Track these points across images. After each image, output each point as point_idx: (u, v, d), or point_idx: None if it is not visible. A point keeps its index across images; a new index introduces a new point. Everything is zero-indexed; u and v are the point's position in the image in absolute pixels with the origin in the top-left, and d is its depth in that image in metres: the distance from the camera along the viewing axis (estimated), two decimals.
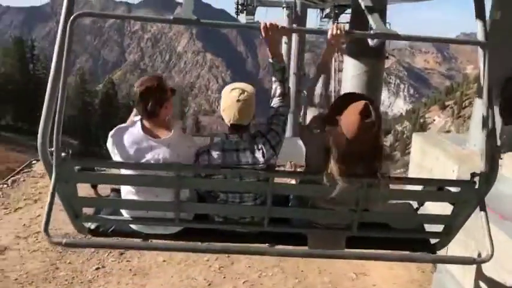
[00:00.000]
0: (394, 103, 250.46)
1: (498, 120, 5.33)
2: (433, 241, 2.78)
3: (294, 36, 20.29)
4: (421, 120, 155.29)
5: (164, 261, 5.32)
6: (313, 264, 5.35)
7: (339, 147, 2.16)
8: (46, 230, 2.09)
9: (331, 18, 18.43)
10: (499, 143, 5.11)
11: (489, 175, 2.28)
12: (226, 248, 2.67)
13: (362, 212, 2.42)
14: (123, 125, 2.61)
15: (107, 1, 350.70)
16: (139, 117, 2.57)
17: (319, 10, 21.58)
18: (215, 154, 2.45)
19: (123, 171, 2.55)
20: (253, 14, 24.92)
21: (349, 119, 2.11)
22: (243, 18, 26.37)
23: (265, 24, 2.36)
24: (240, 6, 24.49)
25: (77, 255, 5.32)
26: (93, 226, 2.74)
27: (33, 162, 8.74)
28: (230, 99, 2.42)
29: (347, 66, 11.59)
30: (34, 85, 57.66)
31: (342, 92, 10.96)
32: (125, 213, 2.65)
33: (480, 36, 2.30)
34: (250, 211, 2.59)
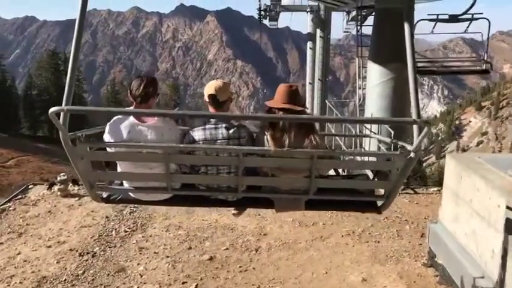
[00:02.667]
0: (428, 105, 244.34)
1: None
2: (379, 203, 3.24)
3: (318, 42, 19.36)
4: (457, 122, 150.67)
5: None
6: None
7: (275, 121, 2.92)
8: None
9: (358, 21, 17.30)
10: None
11: (416, 148, 2.62)
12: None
13: (316, 179, 2.89)
14: (118, 116, 3.06)
15: (139, 12, 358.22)
16: (131, 107, 3.09)
17: (345, 13, 20.52)
18: (197, 131, 3.07)
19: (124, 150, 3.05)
20: (277, 20, 24.03)
21: (278, 90, 3.05)
22: (266, 24, 25.66)
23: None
24: (263, 12, 23.65)
25: None
26: (104, 195, 3.27)
27: (30, 186, 8.19)
28: (211, 81, 3.20)
29: (371, 73, 10.61)
30: None
31: (366, 101, 9.91)
32: (126, 185, 3.18)
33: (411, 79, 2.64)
34: (225, 180, 3.11)
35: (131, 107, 3.10)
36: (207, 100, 3.16)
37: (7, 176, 31.36)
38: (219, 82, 3.20)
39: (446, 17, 10.47)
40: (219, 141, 3.04)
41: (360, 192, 3.26)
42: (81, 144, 2.69)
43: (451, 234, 5.06)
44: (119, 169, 3.14)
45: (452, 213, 5.05)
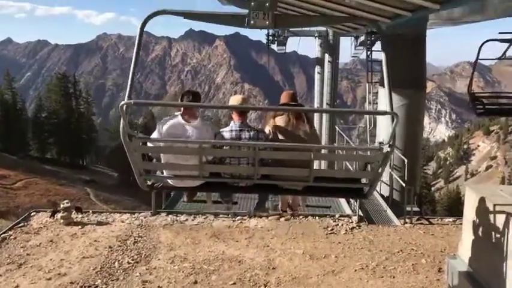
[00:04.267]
0: (436, 129, 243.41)
1: None
2: (365, 191, 3.87)
3: (326, 66, 19.31)
4: (465, 146, 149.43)
5: None
6: None
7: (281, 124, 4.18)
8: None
9: (367, 45, 17.25)
10: None
11: (390, 145, 3.21)
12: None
13: (314, 169, 3.53)
14: (167, 118, 4.07)
15: (149, 36, 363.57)
16: (179, 112, 4.05)
17: (353, 38, 20.52)
18: (226, 132, 4.08)
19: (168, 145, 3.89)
20: (285, 45, 24.13)
21: (282, 95, 4.66)
22: (274, 48, 25.81)
23: None
24: (271, 37, 23.76)
25: None
26: (149, 182, 3.96)
27: (32, 213, 7.97)
28: (236, 95, 4.43)
29: (382, 100, 10.42)
30: (76, 120, 59.12)
31: (377, 128, 9.92)
32: (166, 173, 4.02)
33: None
34: (245, 170, 3.86)
35: (177, 113, 4.09)
36: (235, 111, 4.26)
37: (14, 198, 31.37)
38: (242, 96, 4.48)
39: None
40: (242, 140, 4.01)
41: (350, 180, 3.98)
42: (136, 140, 3.29)
43: (472, 271, 4.76)
44: (162, 161, 3.95)
45: (474, 249, 4.77)
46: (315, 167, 3.59)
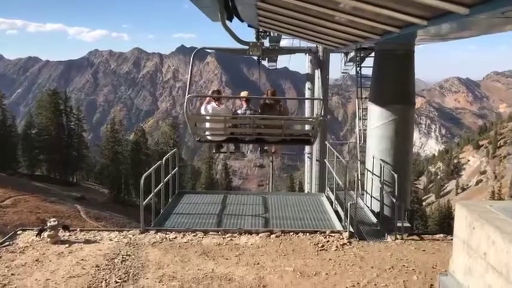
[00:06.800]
0: (426, 144, 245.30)
1: None
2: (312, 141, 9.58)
3: (316, 82, 19.38)
4: (455, 161, 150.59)
5: None
6: None
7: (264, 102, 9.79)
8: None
9: (356, 62, 17.36)
10: None
11: (322, 116, 9.89)
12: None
13: (285, 129, 8.99)
14: (206, 104, 9.67)
15: (140, 53, 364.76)
16: (211, 101, 9.59)
17: (343, 54, 20.64)
18: (239, 110, 9.60)
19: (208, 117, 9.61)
20: (275, 61, 24.20)
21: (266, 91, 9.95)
22: (265, 64, 25.87)
23: None
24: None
25: None
26: (197, 138, 9.41)
27: (19, 232, 7.82)
28: (244, 91, 9.86)
29: (372, 115, 10.41)
30: (67, 136, 58.73)
31: (367, 143, 10.25)
32: (207, 133, 9.61)
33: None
34: (248, 130, 9.08)
35: (212, 102, 9.45)
36: (243, 99, 9.52)
37: (3, 216, 30.80)
38: (248, 91, 9.53)
39: None
40: (247, 114, 9.28)
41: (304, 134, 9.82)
42: (192, 116, 9.07)
43: None
44: (207, 125, 9.54)
45: (465, 266, 4.73)
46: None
